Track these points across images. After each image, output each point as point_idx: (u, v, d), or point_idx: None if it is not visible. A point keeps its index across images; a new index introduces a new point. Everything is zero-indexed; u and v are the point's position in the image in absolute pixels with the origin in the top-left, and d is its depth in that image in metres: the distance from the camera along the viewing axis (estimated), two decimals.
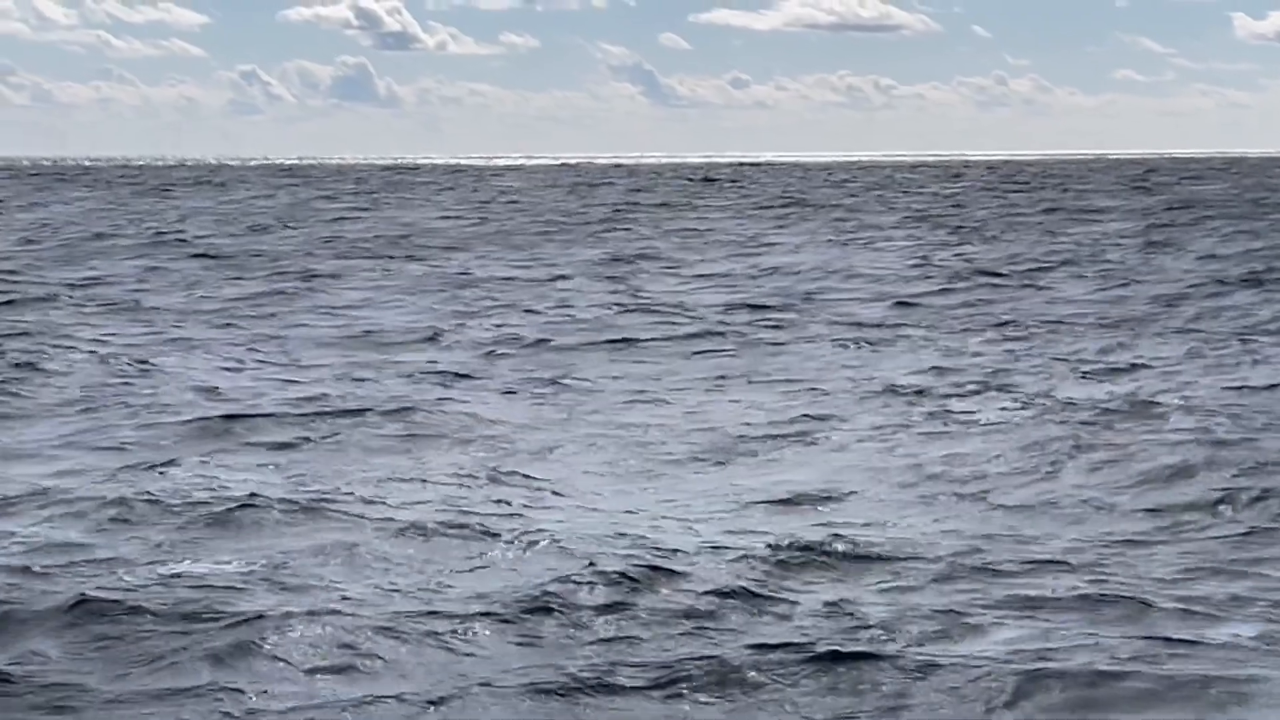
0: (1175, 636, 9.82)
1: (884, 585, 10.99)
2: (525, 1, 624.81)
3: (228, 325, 27.29)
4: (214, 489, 13.78)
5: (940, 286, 33.21)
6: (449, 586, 10.99)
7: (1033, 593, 10.75)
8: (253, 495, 13.39)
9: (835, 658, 9.38)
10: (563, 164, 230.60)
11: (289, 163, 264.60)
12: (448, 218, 65.24)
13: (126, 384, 20.24)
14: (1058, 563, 11.62)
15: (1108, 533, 12.59)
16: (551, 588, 10.67)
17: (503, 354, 23.60)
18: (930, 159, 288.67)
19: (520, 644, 9.83)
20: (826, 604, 10.50)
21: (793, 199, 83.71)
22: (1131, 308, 29.01)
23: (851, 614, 10.25)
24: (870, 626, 9.99)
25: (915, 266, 38.43)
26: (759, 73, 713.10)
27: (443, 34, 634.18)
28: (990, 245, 45.53)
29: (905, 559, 11.61)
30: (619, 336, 25.46)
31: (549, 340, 25.12)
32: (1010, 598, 10.63)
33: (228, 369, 21.87)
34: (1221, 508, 13.28)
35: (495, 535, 12.19)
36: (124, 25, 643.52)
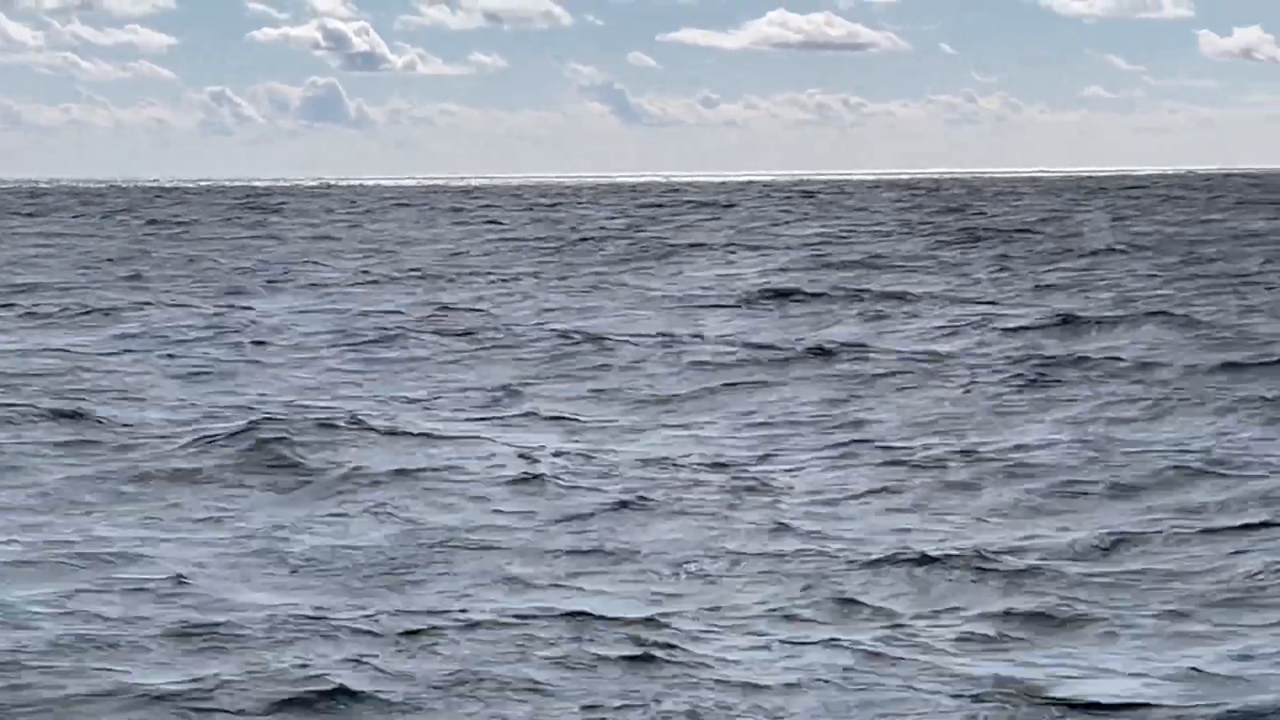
0: None
1: None
2: (492, 21, 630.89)
3: None
4: None
5: None
6: None
7: None
8: None
9: None
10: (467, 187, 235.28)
11: (261, 184, 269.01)
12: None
13: None
14: None
15: None
16: None
17: None
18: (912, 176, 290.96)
19: None
20: None
21: None
22: None
23: None
24: None
25: None
26: (729, 92, 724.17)
27: (411, 54, 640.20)
28: None
29: None
30: None
31: None
32: None
33: None
34: None
35: None
36: (91, 47, 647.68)
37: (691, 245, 62.44)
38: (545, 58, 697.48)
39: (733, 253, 57.83)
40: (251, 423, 20.17)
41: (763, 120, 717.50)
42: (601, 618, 12.21)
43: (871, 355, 27.69)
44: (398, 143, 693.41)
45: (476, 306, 37.30)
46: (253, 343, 30.85)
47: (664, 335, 30.75)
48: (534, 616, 12.26)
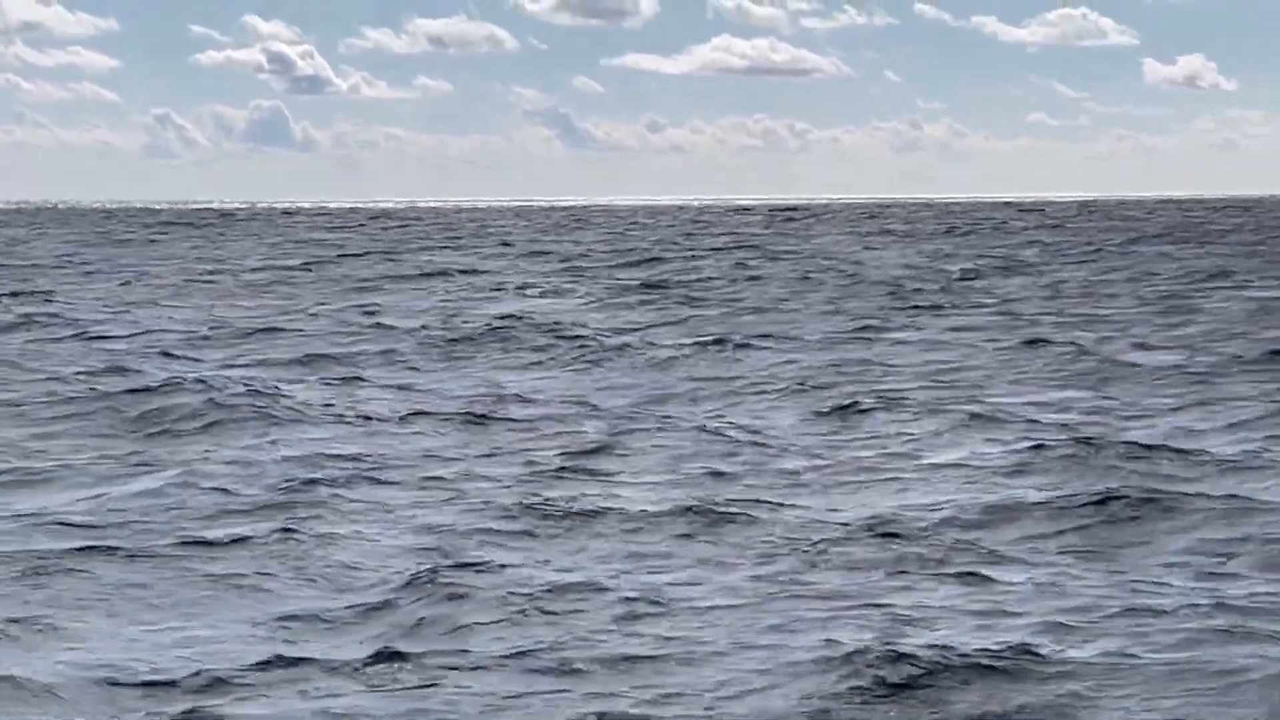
0: None
1: None
2: (436, 45, 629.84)
3: None
4: None
5: None
6: None
7: None
8: None
9: None
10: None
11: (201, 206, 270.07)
12: None
13: None
14: None
15: None
16: None
17: None
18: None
19: None
20: None
21: None
22: None
23: None
24: None
25: None
26: (674, 116, 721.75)
27: (355, 78, 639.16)
28: None
29: None
30: None
31: None
32: None
33: None
34: None
35: None
36: (34, 69, 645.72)
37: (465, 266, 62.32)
38: (490, 82, 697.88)
39: (485, 274, 57.20)
40: None
41: (709, 145, 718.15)
42: None
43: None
44: (343, 166, 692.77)
45: None
46: None
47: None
48: None
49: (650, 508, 16.39)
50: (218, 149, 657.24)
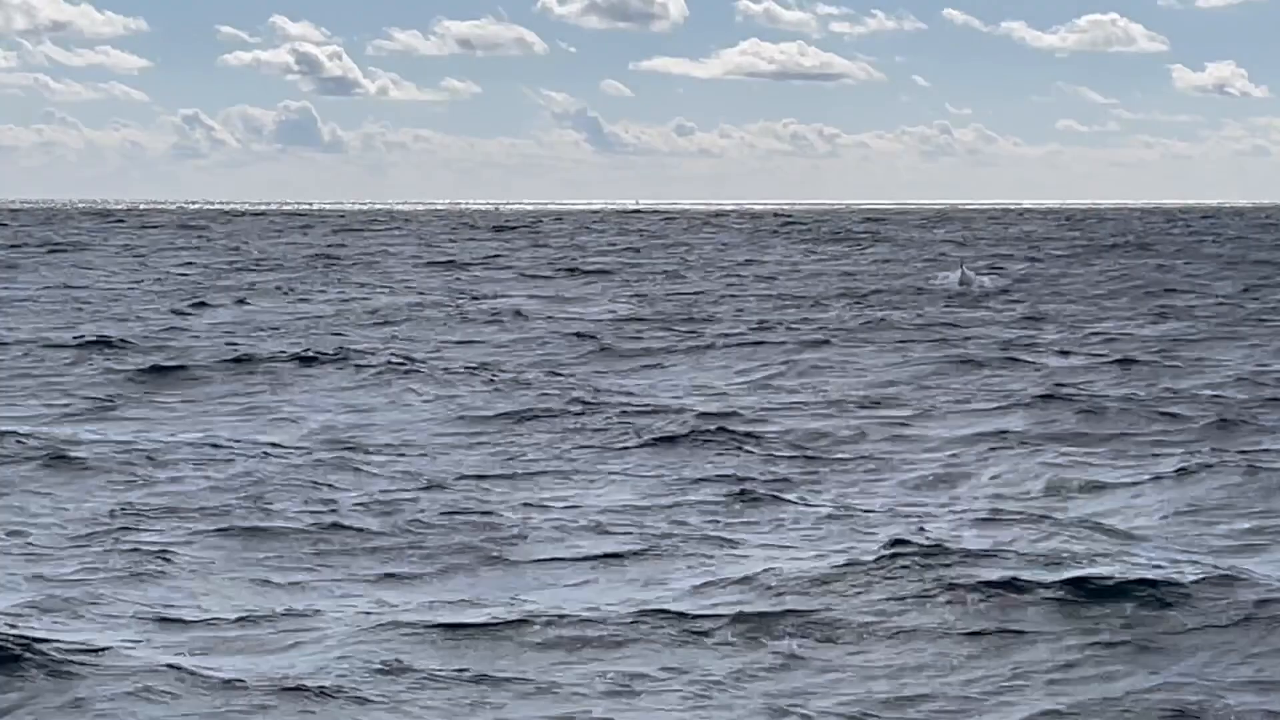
0: None
1: None
2: (465, 48, 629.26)
3: None
4: None
5: None
6: None
7: None
8: None
9: None
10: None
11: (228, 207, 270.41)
12: None
13: None
14: None
15: None
16: None
17: None
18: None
19: None
20: None
21: None
22: None
23: None
24: None
25: None
26: (703, 120, 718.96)
27: (384, 79, 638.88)
28: None
29: None
30: None
31: None
32: None
33: None
34: None
35: None
36: (63, 68, 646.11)
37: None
38: (518, 85, 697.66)
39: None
40: None
41: (737, 149, 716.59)
42: None
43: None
44: (371, 167, 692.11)
45: None
46: None
47: None
48: None
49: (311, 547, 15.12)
50: (246, 150, 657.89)
